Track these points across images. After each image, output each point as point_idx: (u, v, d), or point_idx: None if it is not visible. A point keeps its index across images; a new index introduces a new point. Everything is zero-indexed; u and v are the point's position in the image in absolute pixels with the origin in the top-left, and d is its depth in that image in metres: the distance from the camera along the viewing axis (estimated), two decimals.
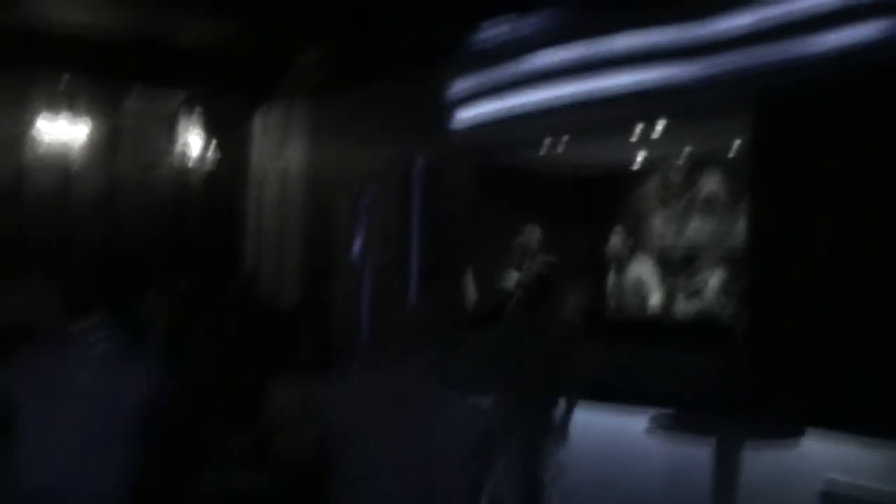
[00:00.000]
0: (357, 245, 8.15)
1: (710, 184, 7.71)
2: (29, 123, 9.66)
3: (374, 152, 8.21)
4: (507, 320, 5.63)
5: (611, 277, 7.25)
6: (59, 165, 9.84)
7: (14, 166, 9.73)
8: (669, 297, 7.34)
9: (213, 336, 8.13)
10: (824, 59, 4.95)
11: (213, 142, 10.44)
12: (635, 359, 5.54)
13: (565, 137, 6.99)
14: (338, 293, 8.42)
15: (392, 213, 7.82)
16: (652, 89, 5.85)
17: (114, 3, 8.40)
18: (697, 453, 4.63)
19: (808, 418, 4.48)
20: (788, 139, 5.18)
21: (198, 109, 10.37)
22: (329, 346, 7.94)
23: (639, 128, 6.56)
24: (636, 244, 7.27)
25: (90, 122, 9.99)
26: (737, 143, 6.91)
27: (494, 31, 7.13)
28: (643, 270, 7.10)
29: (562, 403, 5.09)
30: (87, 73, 9.52)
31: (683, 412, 4.80)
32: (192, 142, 10.32)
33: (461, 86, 7.26)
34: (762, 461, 4.64)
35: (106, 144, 10.20)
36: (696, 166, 7.82)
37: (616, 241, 7.15)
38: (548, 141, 7.12)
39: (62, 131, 9.73)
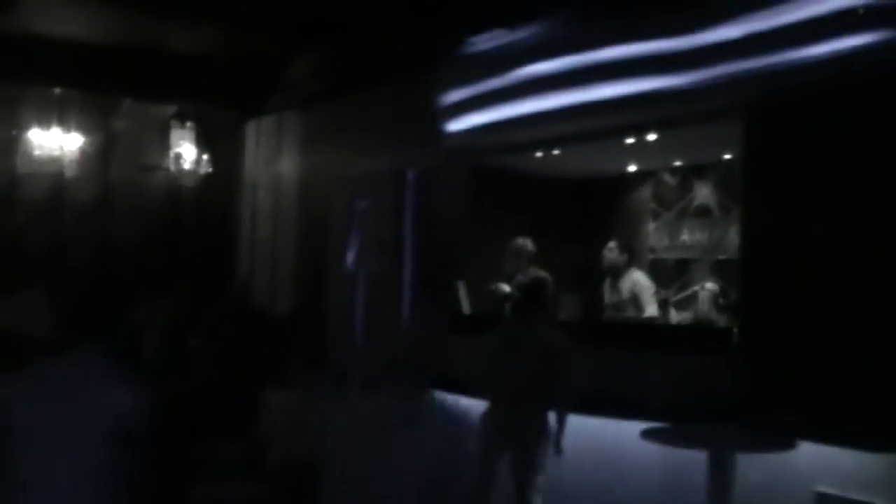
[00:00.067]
0: (351, 253, 8.14)
1: (703, 192, 7.73)
2: (22, 133, 9.66)
3: (367, 161, 8.21)
4: (501, 327, 5.63)
5: (605, 286, 7.25)
6: (52, 175, 9.83)
7: (7, 176, 9.72)
8: (662, 307, 7.34)
9: (208, 344, 8.12)
10: (814, 68, 4.97)
11: (207, 151, 10.45)
12: (628, 367, 5.54)
13: (558, 147, 7.01)
14: (331, 301, 8.41)
15: (386, 221, 7.82)
16: (644, 98, 5.86)
17: (107, 13, 8.39)
18: (694, 461, 4.63)
19: (800, 430, 4.49)
20: (780, 148, 5.20)
21: (191, 118, 10.37)
22: (323, 355, 7.93)
23: (631, 137, 6.57)
24: (630, 253, 7.26)
25: (83, 132, 9.99)
26: (728, 152, 6.93)
27: (486, 42, 7.15)
28: (638, 279, 7.09)
29: (555, 410, 5.10)
30: (79, 83, 9.53)
31: (677, 424, 4.81)
32: (186, 151, 10.32)
33: (454, 95, 7.27)
34: (754, 473, 4.65)
35: (99, 154, 10.21)
36: (689, 175, 7.83)
37: (610, 249, 7.13)
38: (540, 150, 7.14)
39: (55, 141, 9.72)
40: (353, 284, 7.91)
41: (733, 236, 7.02)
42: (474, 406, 5.30)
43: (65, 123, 9.85)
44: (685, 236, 7.88)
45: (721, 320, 6.64)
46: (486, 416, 5.22)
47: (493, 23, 7.08)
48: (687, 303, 7.61)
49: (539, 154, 7.20)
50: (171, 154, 10.33)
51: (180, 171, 10.33)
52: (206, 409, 6.87)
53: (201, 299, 8.93)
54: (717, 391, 5.00)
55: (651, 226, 8.17)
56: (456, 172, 7.61)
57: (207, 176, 10.48)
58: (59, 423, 2.90)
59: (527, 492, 5.03)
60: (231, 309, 8.50)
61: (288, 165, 10.08)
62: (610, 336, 6.30)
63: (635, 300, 6.96)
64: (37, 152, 9.62)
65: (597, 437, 5.35)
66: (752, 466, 4.64)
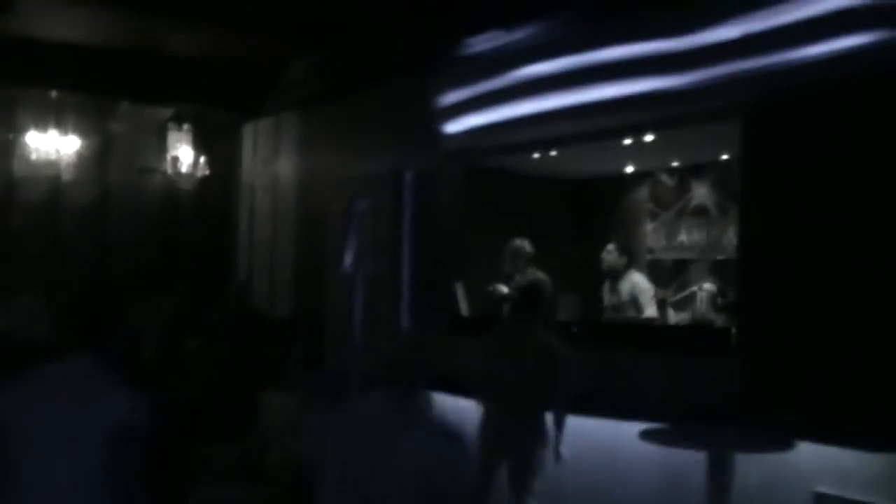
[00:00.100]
0: (349, 254, 8.13)
1: (701, 193, 7.73)
2: (18, 136, 9.65)
3: (365, 162, 8.21)
4: (498, 330, 5.63)
5: (605, 288, 7.24)
6: (49, 178, 9.82)
7: (4, 179, 9.71)
8: (660, 307, 7.34)
9: (206, 346, 8.12)
10: (812, 68, 4.97)
11: (204, 153, 10.44)
12: (627, 367, 5.54)
13: (556, 147, 7.01)
14: (330, 302, 8.40)
15: (384, 222, 7.81)
16: (642, 99, 5.86)
17: (103, 15, 8.38)
18: (692, 461, 4.63)
19: (799, 430, 4.49)
20: (778, 147, 5.20)
21: (188, 121, 10.37)
22: (321, 356, 7.93)
23: (629, 137, 6.58)
24: (630, 255, 7.25)
25: (80, 135, 9.98)
26: (726, 152, 6.94)
27: (484, 43, 7.15)
28: (637, 281, 7.08)
29: (553, 414, 5.09)
30: (77, 85, 9.51)
31: (675, 425, 4.81)
32: (183, 154, 10.31)
33: (452, 96, 7.27)
34: (753, 473, 4.65)
35: (96, 157, 10.20)
36: (686, 175, 7.84)
37: (609, 252, 7.13)
38: (538, 151, 7.14)
39: (52, 144, 9.71)
40: (352, 285, 7.90)
41: (731, 236, 7.03)
42: (473, 407, 5.31)
43: (62, 126, 9.84)
44: (683, 237, 7.88)
45: (719, 320, 6.65)
46: (484, 418, 5.22)
47: (490, 24, 7.08)
48: (685, 303, 7.61)
49: (537, 155, 7.20)
50: (169, 157, 10.33)
51: (178, 173, 10.32)
52: (205, 411, 6.87)
53: (200, 301, 8.93)
54: (715, 391, 5.00)
55: (649, 226, 8.18)
56: (454, 173, 7.61)
57: (205, 178, 10.48)
58: (58, 425, 2.90)
59: (524, 495, 5.02)
60: (229, 310, 8.50)
61: (286, 167, 10.08)
62: (608, 336, 6.30)
63: (635, 302, 6.96)
64: (34, 156, 9.61)
65: (595, 437, 5.35)
66: (751, 466, 4.64)
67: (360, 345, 6.43)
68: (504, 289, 6.77)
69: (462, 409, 5.16)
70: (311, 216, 9.35)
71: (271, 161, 10.33)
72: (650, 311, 6.96)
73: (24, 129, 9.64)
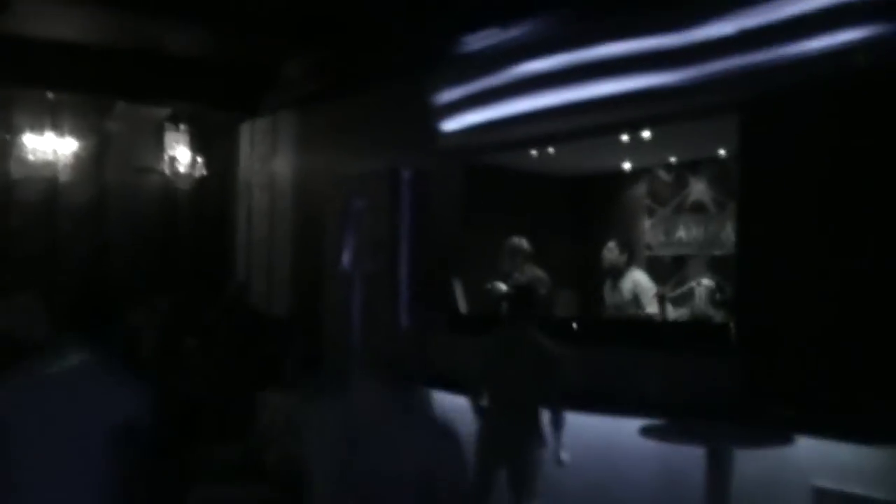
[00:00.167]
0: (347, 253, 8.13)
1: (698, 189, 7.74)
2: (15, 137, 9.64)
3: (362, 161, 8.21)
4: (497, 331, 5.62)
5: (606, 287, 7.22)
6: (46, 179, 9.82)
7: (1, 180, 9.70)
8: (659, 304, 7.33)
9: (205, 345, 8.12)
10: (810, 64, 4.97)
11: (201, 153, 10.44)
12: (626, 364, 5.55)
13: (553, 144, 7.01)
14: (328, 301, 8.41)
15: (381, 221, 7.81)
16: (639, 95, 5.86)
17: (100, 15, 8.37)
18: (692, 458, 4.64)
19: (798, 425, 4.49)
20: (775, 143, 5.21)
21: (185, 121, 10.37)
22: (320, 355, 7.93)
23: (626, 134, 6.58)
24: (630, 253, 7.24)
25: (77, 136, 9.98)
26: (724, 148, 6.94)
27: (480, 40, 7.14)
28: (639, 280, 7.07)
29: (550, 417, 5.08)
30: (73, 85, 9.50)
31: (674, 421, 4.81)
32: (180, 154, 10.31)
33: (449, 94, 7.27)
34: (752, 468, 4.65)
35: (93, 158, 10.19)
36: (684, 171, 7.84)
37: (610, 250, 7.11)
38: (535, 148, 7.14)
39: (49, 145, 9.71)
40: (350, 284, 7.92)
41: (729, 232, 7.03)
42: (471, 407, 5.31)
43: (58, 127, 9.84)
44: (681, 233, 7.88)
45: (718, 316, 6.64)
46: (483, 420, 5.21)
47: (486, 21, 7.08)
48: (683, 299, 7.60)
49: (534, 152, 7.19)
50: (166, 157, 10.32)
51: (175, 173, 10.32)
52: (204, 410, 6.87)
53: (198, 300, 8.93)
54: (714, 387, 5.00)
55: (647, 222, 8.18)
56: (452, 171, 7.61)
57: (202, 178, 10.47)
58: (57, 425, 2.90)
59: (523, 497, 5.02)
60: (228, 310, 8.50)
61: (283, 166, 10.07)
62: (607, 333, 6.30)
63: (637, 301, 6.93)
64: (31, 156, 9.61)
65: (595, 434, 5.35)
66: (750, 462, 4.64)
67: (357, 343, 6.44)
68: (503, 287, 6.76)
69: (462, 408, 5.17)
70: (308, 215, 9.35)
71: (269, 160, 10.32)
72: (652, 310, 6.95)
73: (21, 130, 9.64)
